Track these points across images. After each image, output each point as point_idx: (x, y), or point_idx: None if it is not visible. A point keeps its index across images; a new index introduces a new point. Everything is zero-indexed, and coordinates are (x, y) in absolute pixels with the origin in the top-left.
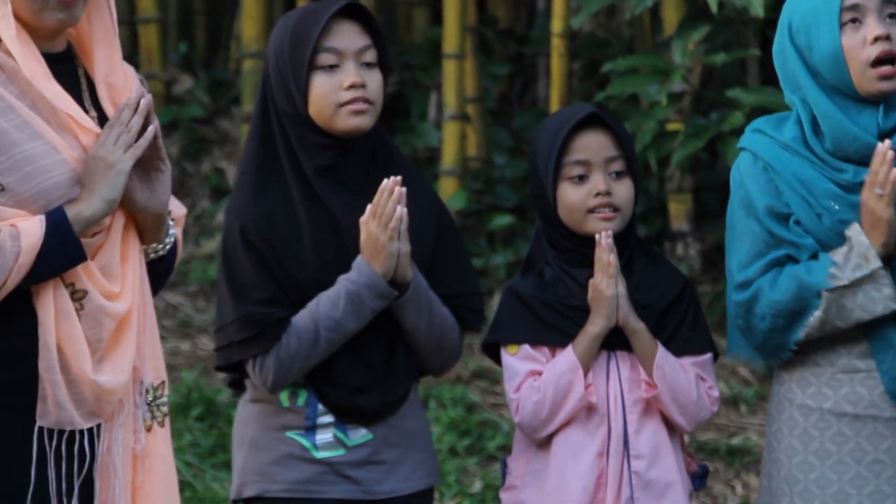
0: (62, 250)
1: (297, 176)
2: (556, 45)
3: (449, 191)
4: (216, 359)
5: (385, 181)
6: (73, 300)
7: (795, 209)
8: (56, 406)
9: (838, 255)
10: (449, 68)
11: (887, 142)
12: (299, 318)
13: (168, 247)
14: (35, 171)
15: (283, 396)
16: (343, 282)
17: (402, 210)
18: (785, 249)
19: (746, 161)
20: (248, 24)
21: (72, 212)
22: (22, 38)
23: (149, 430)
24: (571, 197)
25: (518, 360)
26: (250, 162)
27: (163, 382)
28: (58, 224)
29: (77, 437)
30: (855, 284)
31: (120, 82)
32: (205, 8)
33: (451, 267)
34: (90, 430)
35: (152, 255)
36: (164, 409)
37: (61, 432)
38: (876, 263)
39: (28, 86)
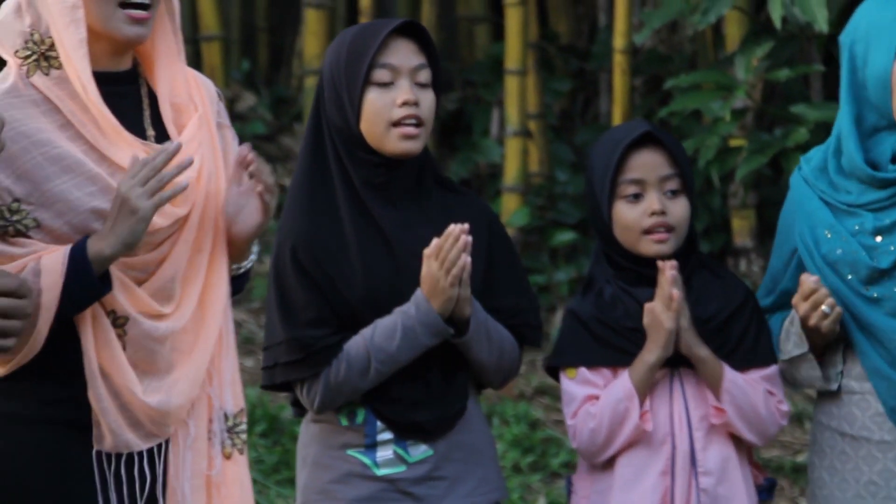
0: (82, 289)
1: (348, 192)
2: (618, 60)
3: (511, 207)
4: (262, 378)
5: (452, 226)
6: (115, 326)
7: (799, 244)
8: (110, 431)
9: (786, 324)
10: (511, 84)
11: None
12: (352, 344)
13: (246, 268)
14: (67, 208)
15: (342, 415)
16: (399, 315)
17: (466, 259)
18: (779, 292)
19: (791, 190)
20: (311, 42)
21: (93, 249)
22: (83, 53)
23: (228, 457)
24: (626, 216)
25: (576, 385)
26: (301, 178)
27: (242, 410)
28: (78, 262)
29: (136, 458)
30: (794, 360)
31: (184, 102)
32: (267, 25)
33: (506, 280)
34: (150, 450)
35: (231, 272)
36: (244, 436)
37: (119, 455)
38: (804, 347)
39: (76, 100)
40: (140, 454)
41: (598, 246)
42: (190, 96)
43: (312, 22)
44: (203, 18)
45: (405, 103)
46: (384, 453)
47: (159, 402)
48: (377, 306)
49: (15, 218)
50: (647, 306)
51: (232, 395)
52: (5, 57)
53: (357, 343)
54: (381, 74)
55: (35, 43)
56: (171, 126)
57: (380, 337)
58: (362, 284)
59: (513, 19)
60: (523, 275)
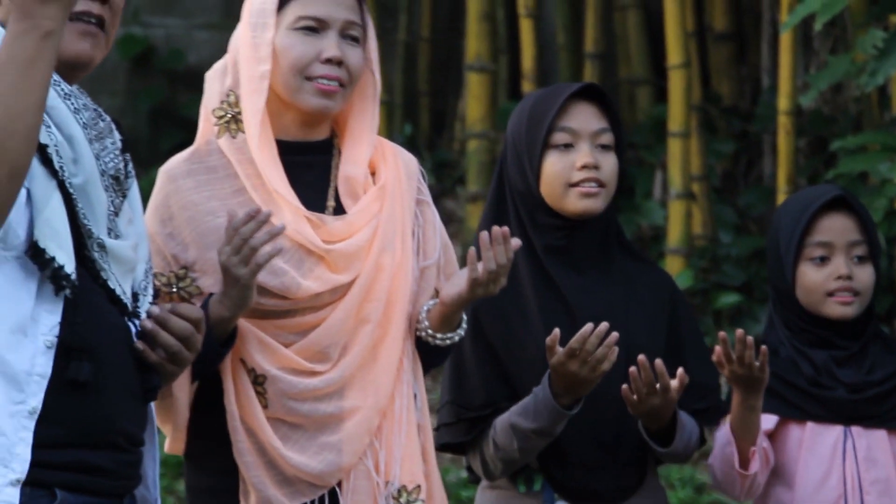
0: (206, 348)
1: (529, 256)
2: (783, 122)
3: (675, 269)
4: (434, 437)
5: (588, 326)
6: (255, 384)
7: None
8: (254, 488)
9: None
10: (674, 146)
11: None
12: (499, 420)
13: (452, 341)
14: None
15: (520, 481)
16: (532, 396)
17: (614, 354)
18: None
19: None
20: (473, 105)
21: (214, 313)
22: (264, 121)
23: None
24: (811, 278)
25: (722, 430)
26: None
27: (418, 486)
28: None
29: None
30: None
31: (360, 176)
32: (429, 90)
33: (691, 357)
34: None
35: (438, 342)
36: None
37: None
38: None
39: (253, 165)
40: None
41: (772, 309)
42: (377, 169)
43: (474, 86)
44: None
45: (584, 166)
46: None
47: (306, 463)
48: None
49: (181, 285)
50: (719, 363)
51: (407, 470)
52: (203, 115)
53: (503, 419)
54: (560, 137)
55: (230, 104)
56: (346, 199)
57: (517, 416)
58: (542, 349)
59: (676, 81)
60: (706, 350)
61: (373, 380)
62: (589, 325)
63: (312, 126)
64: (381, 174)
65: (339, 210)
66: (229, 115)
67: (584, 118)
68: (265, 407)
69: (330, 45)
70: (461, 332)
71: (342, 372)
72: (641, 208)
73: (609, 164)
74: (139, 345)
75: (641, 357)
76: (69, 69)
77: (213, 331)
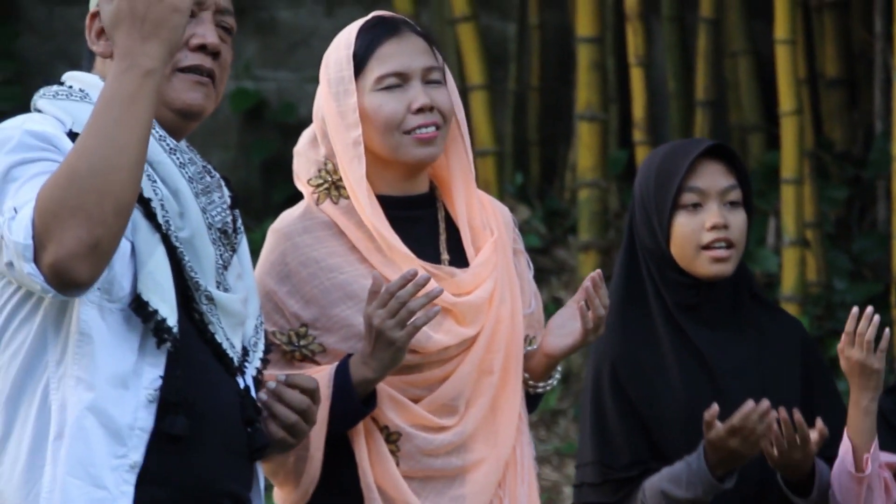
0: (346, 410)
1: (663, 312)
2: None
3: None
4: (573, 495)
5: (749, 403)
6: (388, 442)
7: None
8: None
9: None
10: (787, 193)
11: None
12: (648, 483)
13: (545, 389)
14: (350, 334)
15: None
16: (685, 465)
17: (773, 429)
18: None
19: None
20: (584, 154)
21: (357, 375)
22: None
23: None
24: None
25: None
26: (616, 298)
27: None
28: (341, 384)
29: None
30: None
31: (479, 225)
32: (539, 139)
33: (826, 407)
34: None
35: (539, 391)
36: None
37: None
38: None
39: (363, 228)
40: None
41: None
42: (485, 220)
43: (585, 135)
44: (477, 133)
45: (714, 227)
46: None
47: None
48: (696, 427)
49: (302, 343)
50: (841, 349)
51: None
52: (299, 185)
53: (653, 484)
54: (688, 197)
55: (328, 172)
56: (471, 248)
57: (669, 483)
58: (683, 404)
59: (788, 128)
60: (838, 394)
61: (496, 431)
62: (750, 403)
63: (414, 178)
64: (491, 224)
65: (455, 262)
66: (329, 182)
67: (712, 177)
68: (398, 464)
69: (417, 94)
70: (557, 376)
71: (468, 425)
72: (755, 256)
73: (738, 221)
74: (264, 418)
75: (783, 413)
76: (181, 118)
77: (355, 391)
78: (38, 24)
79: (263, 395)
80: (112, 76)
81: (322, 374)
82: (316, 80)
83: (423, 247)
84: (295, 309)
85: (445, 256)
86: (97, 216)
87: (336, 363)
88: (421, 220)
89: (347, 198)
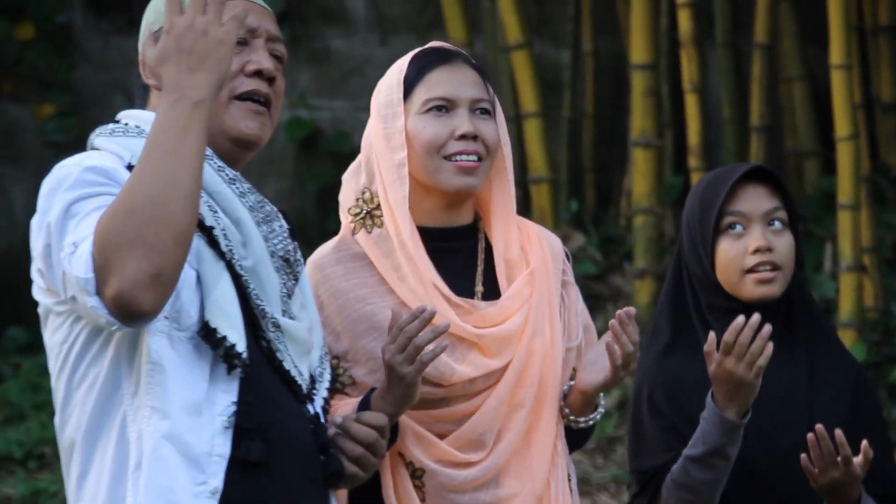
0: None
1: (708, 336)
2: None
3: (847, 343)
4: None
5: (739, 318)
6: (413, 478)
7: None
8: None
9: None
10: (843, 219)
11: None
12: (674, 467)
13: (590, 423)
14: (377, 366)
15: None
16: (705, 425)
17: (769, 349)
18: None
19: None
20: (639, 181)
21: (375, 409)
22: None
23: None
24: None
25: None
26: (663, 321)
27: None
28: None
29: None
30: None
31: (516, 257)
32: (594, 166)
33: (871, 439)
34: None
35: (582, 425)
36: None
37: None
38: None
39: (391, 258)
40: None
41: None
42: (524, 252)
43: (640, 161)
44: (532, 161)
45: (757, 250)
46: None
47: None
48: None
49: (335, 375)
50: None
51: None
52: (341, 214)
53: (677, 463)
54: (731, 222)
55: (364, 201)
56: (504, 282)
57: (689, 448)
58: None
59: (844, 153)
60: (889, 439)
61: (528, 466)
62: (740, 318)
63: (455, 209)
64: (530, 258)
65: (489, 294)
66: (365, 212)
67: (754, 200)
68: (423, 500)
69: (462, 121)
70: (601, 410)
71: (497, 459)
72: (812, 281)
73: (783, 244)
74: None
75: (819, 426)
76: (238, 147)
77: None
78: (94, 55)
79: (331, 430)
80: (162, 109)
81: (346, 408)
82: (369, 109)
83: (458, 278)
84: (327, 341)
85: (479, 288)
86: (157, 246)
87: (360, 397)
88: (459, 252)
89: (381, 226)
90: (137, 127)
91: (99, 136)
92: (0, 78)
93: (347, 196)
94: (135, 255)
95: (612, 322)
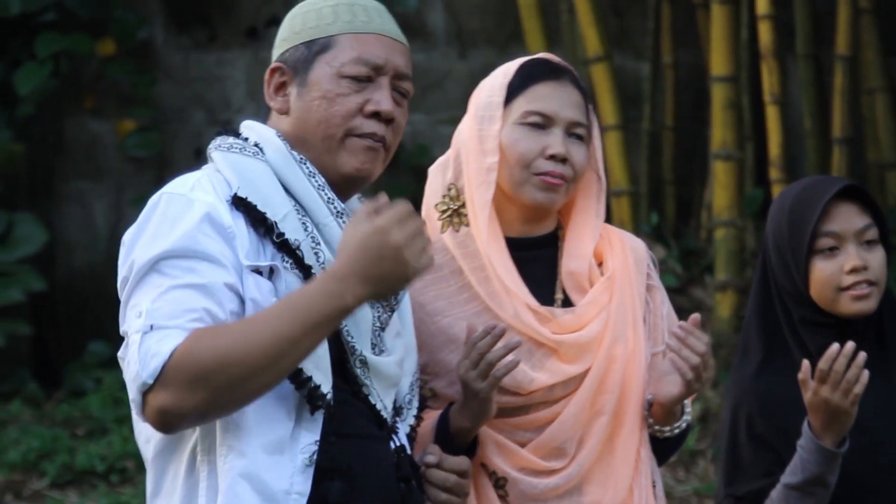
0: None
1: (802, 353)
2: None
3: None
4: None
5: (833, 346)
6: (497, 487)
7: None
8: None
9: None
10: None
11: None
12: (774, 492)
13: (676, 432)
14: (456, 378)
15: None
16: (798, 450)
17: (865, 376)
18: None
19: None
20: (720, 194)
21: (455, 424)
22: (492, 214)
23: None
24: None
25: None
26: (753, 338)
27: None
28: (442, 433)
29: None
30: None
31: (583, 270)
32: (674, 178)
33: None
34: None
35: (667, 434)
36: None
37: None
38: None
39: (477, 258)
40: None
41: None
42: (604, 259)
43: (721, 174)
44: (612, 173)
45: (853, 270)
46: None
47: None
48: (843, 469)
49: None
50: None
51: None
52: (424, 209)
53: (776, 489)
54: (824, 242)
55: (451, 198)
56: (573, 293)
57: (787, 476)
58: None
59: None
60: None
61: (611, 473)
62: (835, 346)
63: (535, 221)
64: (609, 264)
65: (568, 302)
66: (451, 209)
67: (846, 218)
68: None
69: (555, 141)
70: (687, 418)
71: (580, 467)
72: None
73: (877, 260)
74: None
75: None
76: (347, 184)
77: (455, 440)
78: (175, 70)
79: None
80: (316, 287)
81: (428, 422)
82: (448, 123)
83: (537, 286)
84: None
85: (559, 296)
86: (224, 401)
87: (441, 411)
88: (540, 260)
89: (467, 225)
90: (256, 146)
91: (217, 150)
92: (81, 94)
93: (434, 189)
94: (199, 398)
95: (675, 329)
